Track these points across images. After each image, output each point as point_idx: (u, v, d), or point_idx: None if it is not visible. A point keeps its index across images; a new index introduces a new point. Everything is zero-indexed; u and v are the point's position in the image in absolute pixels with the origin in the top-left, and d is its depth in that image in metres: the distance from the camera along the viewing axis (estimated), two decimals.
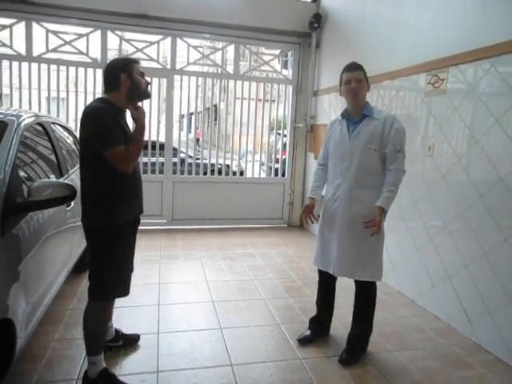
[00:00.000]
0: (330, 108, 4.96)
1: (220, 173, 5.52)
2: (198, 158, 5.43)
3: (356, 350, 2.33)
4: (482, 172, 2.62)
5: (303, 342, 2.47)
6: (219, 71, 5.45)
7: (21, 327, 1.68)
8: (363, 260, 2.23)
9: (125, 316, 2.67)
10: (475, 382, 2.17)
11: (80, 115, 4.76)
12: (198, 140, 6.08)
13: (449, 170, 2.90)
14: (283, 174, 5.78)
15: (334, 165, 2.33)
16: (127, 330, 2.43)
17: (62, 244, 2.49)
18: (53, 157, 2.58)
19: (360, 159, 2.18)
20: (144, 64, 4.22)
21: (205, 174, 5.41)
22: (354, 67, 2.23)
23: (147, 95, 2.03)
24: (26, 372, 2.06)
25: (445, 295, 2.88)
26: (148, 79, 2.04)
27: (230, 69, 5.40)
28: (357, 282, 2.30)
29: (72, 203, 2.55)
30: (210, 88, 5.32)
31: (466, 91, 2.78)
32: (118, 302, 2.18)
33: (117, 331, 2.35)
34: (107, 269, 1.87)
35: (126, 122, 1.94)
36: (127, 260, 1.96)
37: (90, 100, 4.81)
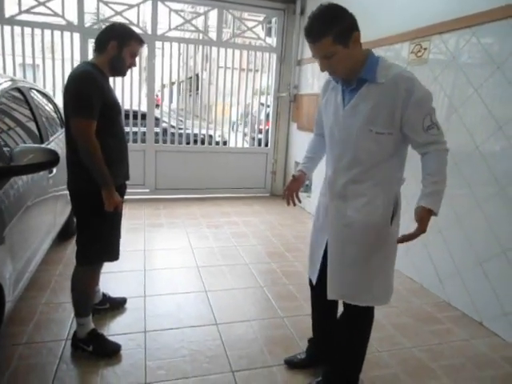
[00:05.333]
0: (314, 78, 4.94)
1: (203, 142, 5.50)
2: (180, 128, 5.39)
3: None
4: (459, 140, 2.70)
5: (291, 364, 1.97)
6: (201, 37, 5.32)
7: (9, 290, 1.71)
8: (365, 281, 1.61)
9: (111, 281, 2.72)
10: (443, 335, 2.35)
11: (57, 82, 4.61)
12: (157, 106, 5.93)
13: None
14: (266, 144, 5.80)
15: (327, 147, 1.68)
16: (114, 294, 2.49)
17: (46, 211, 2.49)
18: (33, 123, 2.53)
19: (356, 145, 1.50)
20: None
21: (188, 143, 5.39)
22: (312, 37, 1.41)
23: (123, 74, 2.02)
24: (15, 334, 2.11)
25: (419, 258, 3.03)
26: (136, 61, 2.00)
27: (212, 36, 5.28)
28: (347, 305, 1.68)
29: (54, 170, 2.53)
30: (192, 56, 5.18)
31: (447, 60, 2.83)
32: (104, 268, 2.21)
33: (104, 295, 2.41)
34: (95, 232, 1.89)
35: (110, 88, 1.92)
36: (115, 223, 1.98)
37: (67, 67, 4.65)
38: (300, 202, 1.86)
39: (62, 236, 3.32)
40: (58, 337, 2.13)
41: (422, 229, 1.43)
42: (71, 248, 3.34)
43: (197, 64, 5.36)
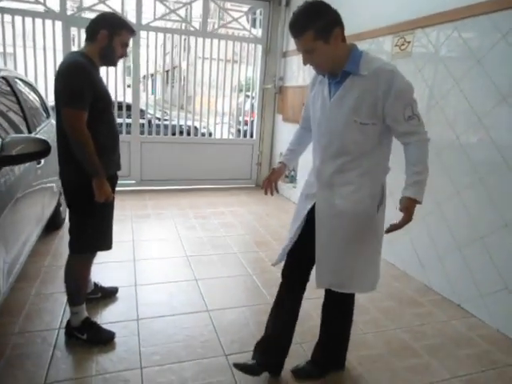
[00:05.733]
0: (299, 70, 4.99)
1: (189, 134, 5.50)
2: (165, 119, 5.38)
3: (319, 364, 1.88)
4: (441, 131, 2.81)
5: (240, 367, 1.80)
6: (185, 27, 5.29)
7: (2, 281, 1.72)
8: (353, 269, 1.65)
9: (102, 271, 2.73)
10: (425, 317, 2.47)
11: (38, 72, 4.48)
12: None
13: None
14: (251, 135, 5.84)
15: (314, 139, 1.71)
16: (105, 284, 2.50)
17: (35, 202, 2.48)
18: (20, 113, 2.50)
19: (342, 136, 1.54)
20: None
21: (173, 134, 5.38)
22: (295, 31, 1.46)
23: (113, 64, 2.03)
24: (7, 324, 2.12)
25: (402, 246, 3.15)
26: (128, 52, 2.00)
27: (197, 26, 5.25)
28: (331, 291, 1.73)
29: (42, 161, 2.52)
30: (177, 46, 5.15)
31: (429, 54, 2.92)
32: (94, 258, 2.23)
33: (95, 284, 2.43)
34: (87, 222, 1.91)
35: (100, 79, 1.92)
36: (107, 213, 2.00)
37: (49, 56, 4.57)
38: (278, 192, 1.94)
39: (49, 228, 3.30)
40: (51, 326, 2.14)
41: (407, 218, 1.52)
42: (58, 239, 3.33)
43: (181, 55, 5.32)
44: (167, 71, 5.43)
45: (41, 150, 1.83)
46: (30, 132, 2.55)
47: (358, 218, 1.60)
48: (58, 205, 3.38)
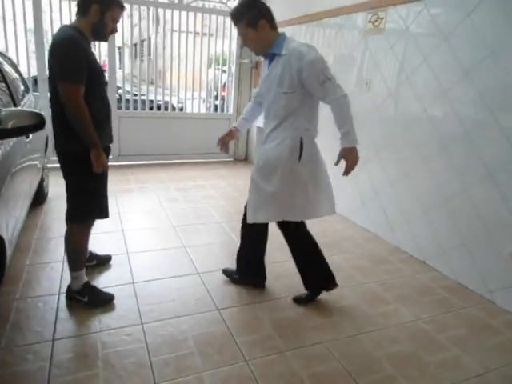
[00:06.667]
0: None
1: (166, 109, 5.52)
2: (142, 95, 5.36)
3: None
4: (410, 104, 3.03)
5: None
6: None
7: (9, 243, 1.84)
8: (264, 201, 2.08)
9: (93, 241, 2.78)
10: (394, 272, 2.76)
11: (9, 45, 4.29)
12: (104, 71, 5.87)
13: (382, 104, 3.29)
14: (227, 110, 5.91)
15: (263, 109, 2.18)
16: (99, 252, 2.63)
17: (25, 175, 2.53)
18: (5, 88, 2.52)
19: (274, 103, 1.99)
20: None
21: (151, 108, 5.39)
22: (232, 20, 1.98)
23: (105, 40, 2.08)
24: (8, 292, 2.22)
25: (373, 210, 3.42)
26: (117, 27, 2.04)
27: None
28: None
29: (30, 136, 2.56)
30: (145, 17, 5.10)
31: (401, 30, 3.10)
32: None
33: (90, 252, 2.54)
34: (85, 192, 2.01)
35: (92, 53, 1.98)
36: (103, 183, 2.11)
37: (21, 31, 4.44)
38: (227, 152, 2.38)
39: (34, 203, 3.34)
40: (51, 291, 2.27)
41: (350, 162, 1.90)
42: (44, 214, 3.40)
43: (156, 28, 5.27)
44: (142, 41, 5.37)
45: (36, 123, 1.87)
46: (15, 106, 2.57)
47: (277, 164, 2.00)
48: (42, 180, 3.42)
